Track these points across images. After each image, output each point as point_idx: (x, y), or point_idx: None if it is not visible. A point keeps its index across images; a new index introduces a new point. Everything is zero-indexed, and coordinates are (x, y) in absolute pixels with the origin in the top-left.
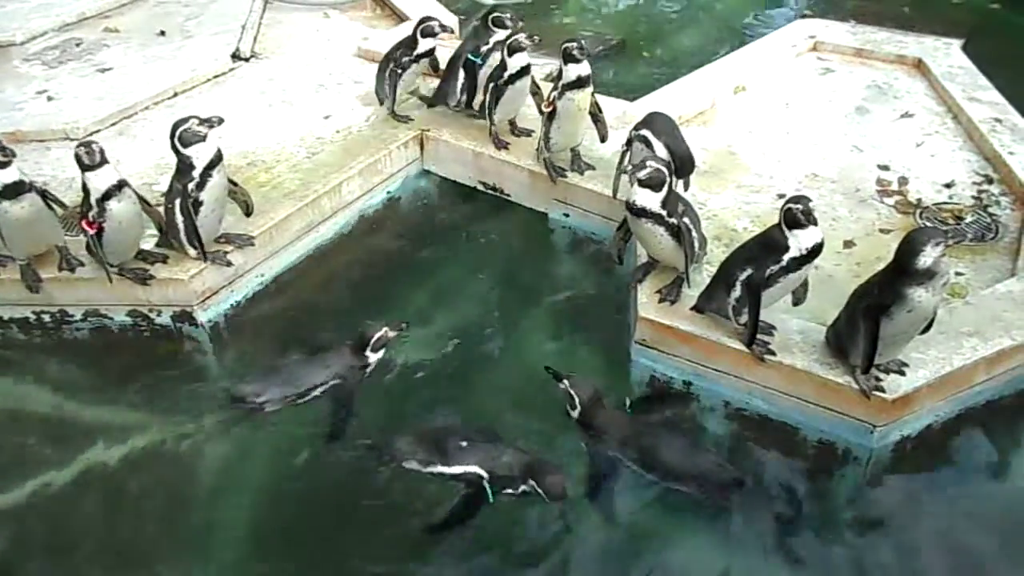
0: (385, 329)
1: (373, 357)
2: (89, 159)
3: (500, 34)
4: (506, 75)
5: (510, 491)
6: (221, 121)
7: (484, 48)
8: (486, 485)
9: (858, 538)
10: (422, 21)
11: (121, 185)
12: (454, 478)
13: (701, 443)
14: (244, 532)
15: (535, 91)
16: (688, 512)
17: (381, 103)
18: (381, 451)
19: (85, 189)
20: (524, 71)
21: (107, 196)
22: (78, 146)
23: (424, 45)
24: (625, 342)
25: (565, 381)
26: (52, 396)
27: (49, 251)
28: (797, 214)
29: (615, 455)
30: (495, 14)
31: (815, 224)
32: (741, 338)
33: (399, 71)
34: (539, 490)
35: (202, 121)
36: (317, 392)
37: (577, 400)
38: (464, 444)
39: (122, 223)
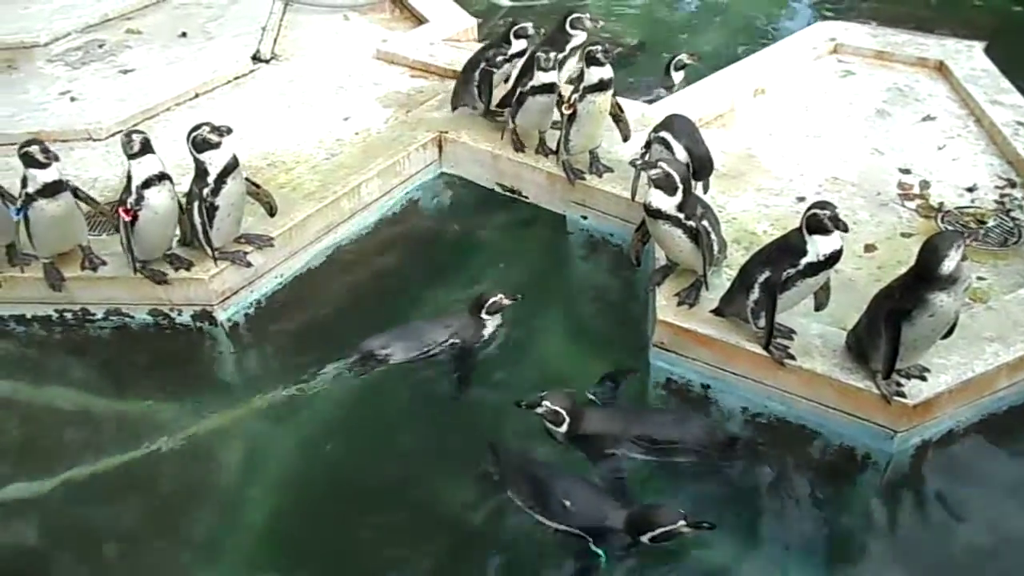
0: (500, 295)
1: (490, 320)
2: (129, 148)
3: (579, 37)
4: (529, 85)
5: (620, 553)
6: (230, 131)
7: (560, 55)
8: (593, 547)
9: (877, 543)
10: (513, 23)
11: (163, 176)
12: (555, 531)
13: (684, 412)
14: (265, 528)
15: (556, 121)
16: (704, 511)
17: (455, 108)
18: (495, 468)
19: (128, 177)
20: (548, 88)
21: (147, 184)
22: (123, 135)
23: (517, 46)
24: (643, 345)
25: (544, 403)
26: (74, 393)
27: (72, 250)
28: (823, 219)
29: (614, 452)
30: (574, 15)
31: (840, 230)
32: (760, 341)
33: (492, 70)
34: (671, 533)
35: (213, 128)
36: (438, 350)
37: (565, 413)
38: (567, 504)
39: (158, 214)
